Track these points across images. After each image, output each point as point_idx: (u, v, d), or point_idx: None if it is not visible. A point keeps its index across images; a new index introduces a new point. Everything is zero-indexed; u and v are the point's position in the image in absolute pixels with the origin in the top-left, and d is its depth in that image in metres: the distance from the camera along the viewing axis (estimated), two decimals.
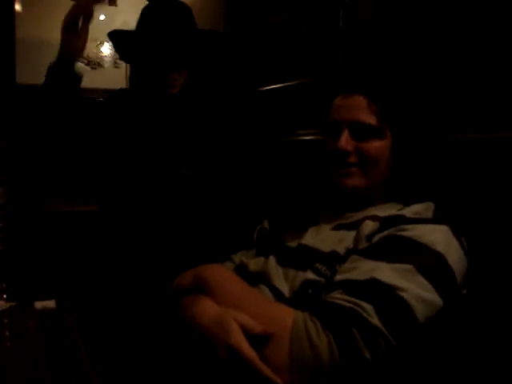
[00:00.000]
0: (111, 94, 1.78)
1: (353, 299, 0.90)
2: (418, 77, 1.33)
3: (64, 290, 1.60)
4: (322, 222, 1.19)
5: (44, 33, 2.37)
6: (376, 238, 1.03)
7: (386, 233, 1.02)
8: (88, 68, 2.49)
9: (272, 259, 1.16)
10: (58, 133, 1.56)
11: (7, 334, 1.11)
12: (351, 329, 0.87)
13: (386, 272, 0.93)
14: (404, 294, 0.91)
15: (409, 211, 1.06)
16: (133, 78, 1.70)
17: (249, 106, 2.15)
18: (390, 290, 0.91)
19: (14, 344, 1.06)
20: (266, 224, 1.36)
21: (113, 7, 2.50)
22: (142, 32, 1.61)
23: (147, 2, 1.65)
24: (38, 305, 1.22)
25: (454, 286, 0.99)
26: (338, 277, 0.99)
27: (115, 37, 1.65)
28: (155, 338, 1.35)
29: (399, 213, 1.07)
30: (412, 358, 0.97)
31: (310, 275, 1.05)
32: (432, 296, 0.94)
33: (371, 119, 1.12)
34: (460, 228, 1.04)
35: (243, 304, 0.99)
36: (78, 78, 1.52)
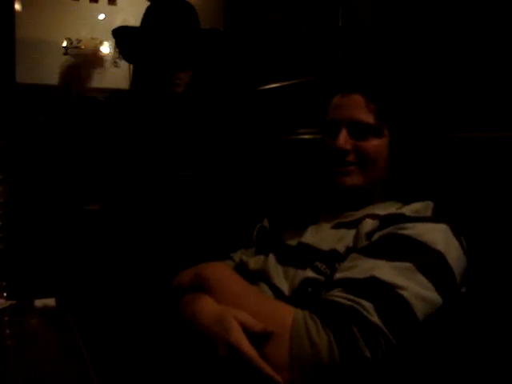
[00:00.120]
0: (111, 96, 1.77)
1: (352, 297, 0.90)
2: (416, 76, 1.34)
3: (64, 288, 1.60)
4: (321, 221, 1.19)
5: (44, 32, 2.37)
6: (376, 237, 1.03)
7: (385, 231, 1.02)
8: None
9: (272, 257, 1.17)
10: (60, 133, 1.56)
11: (7, 332, 1.11)
12: (351, 327, 0.87)
13: (385, 270, 0.93)
14: (404, 293, 0.91)
15: (408, 210, 1.06)
16: (136, 77, 1.69)
17: (248, 105, 2.15)
18: (390, 289, 0.91)
19: (14, 342, 1.06)
20: (265, 222, 1.36)
21: (112, 6, 2.50)
22: (147, 31, 1.60)
23: (147, 2, 1.65)
24: (38, 303, 1.22)
25: (454, 284, 0.99)
26: (338, 275, 0.99)
27: (119, 35, 1.64)
28: (155, 336, 1.35)
29: (399, 211, 1.07)
30: (411, 356, 0.97)
31: (310, 273, 1.05)
32: (431, 294, 0.94)
33: (369, 118, 1.13)
34: (459, 227, 1.05)
35: (243, 302, 0.99)
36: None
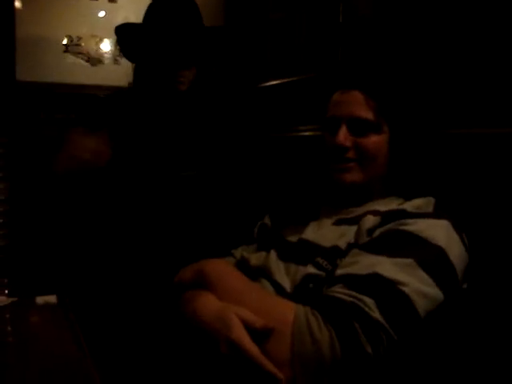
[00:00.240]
0: (112, 94, 1.77)
1: (354, 293, 0.90)
2: (416, 72, 1.34)
3: (65, 285, 1.60)
4: (322, 217, 1.20)
5: (44, 30, 2.37)
6: (377, 233, 1.03)
7: (387, 227, 1.02)
8: (88, 65, 2.49)
9: (273, 254, 1.17)
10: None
11: (9, 329, 1.11)
12: (353, 323, 0.87)
13: (387, 266, 0.93)
14: (405, 289, 0.91)
15: (410, 205, 1.06)
16: (138, 76, 1.68)
17: (249, 102, 2.15)
18: (391, 285, 0.91)
19: (15, 339, 1.06)
20: (266, 219, 1.36)
21: (113, 3, 2.50)
22: (151, 29, 1.59)
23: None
24: (40, 300, 1.22)
25: (455, 280, 0.99)
26: (339, 271, 0.99)
27: (122, 33, 1.64)
28: (157, 333, 1.35)
29: (400, 207, 1.07)
30: (413, 351, 0.97)
31: (311, 269, 1.05)
32: (433, 290, 0.94)
33: (369, 114, 1.13)
34: (460, 223, 1.04)
35: (244, 299, 0.99)
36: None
